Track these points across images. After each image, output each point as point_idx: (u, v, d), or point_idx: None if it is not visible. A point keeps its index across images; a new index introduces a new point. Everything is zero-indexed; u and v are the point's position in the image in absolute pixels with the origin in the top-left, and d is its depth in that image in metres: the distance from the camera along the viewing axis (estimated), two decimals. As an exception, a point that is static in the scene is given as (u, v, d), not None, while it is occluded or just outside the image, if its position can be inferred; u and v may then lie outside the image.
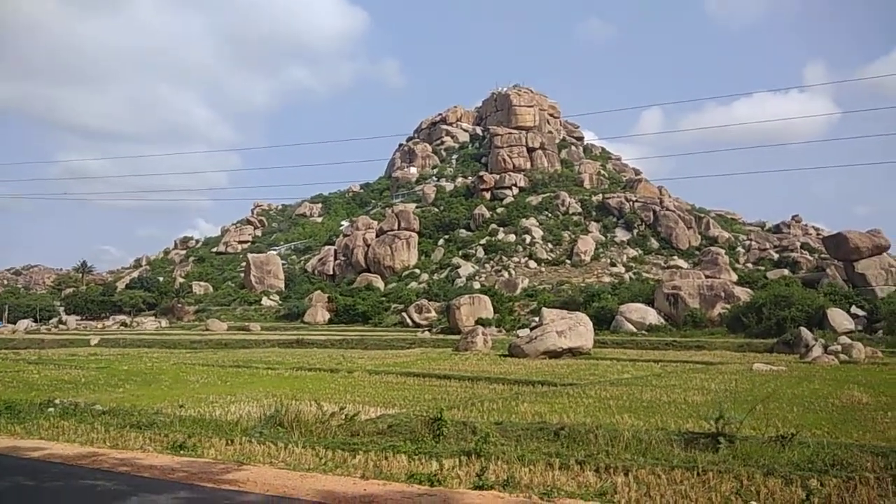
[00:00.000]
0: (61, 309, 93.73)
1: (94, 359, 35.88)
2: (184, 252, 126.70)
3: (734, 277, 68.26)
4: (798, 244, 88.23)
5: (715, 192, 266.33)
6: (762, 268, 78.60)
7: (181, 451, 9.86)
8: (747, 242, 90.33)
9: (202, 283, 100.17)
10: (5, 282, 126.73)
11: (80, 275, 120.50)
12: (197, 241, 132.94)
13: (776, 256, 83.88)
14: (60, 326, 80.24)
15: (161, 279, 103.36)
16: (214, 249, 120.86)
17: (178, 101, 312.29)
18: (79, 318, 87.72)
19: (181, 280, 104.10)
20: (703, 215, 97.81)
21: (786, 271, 73.79)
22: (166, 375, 26.59)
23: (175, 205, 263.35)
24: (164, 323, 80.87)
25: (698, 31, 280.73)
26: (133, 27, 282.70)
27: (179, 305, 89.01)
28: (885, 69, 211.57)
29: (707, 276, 62.52)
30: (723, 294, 57.03)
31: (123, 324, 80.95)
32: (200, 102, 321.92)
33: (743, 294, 56.95)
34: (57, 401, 15.64)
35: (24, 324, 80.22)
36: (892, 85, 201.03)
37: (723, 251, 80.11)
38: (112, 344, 51.05)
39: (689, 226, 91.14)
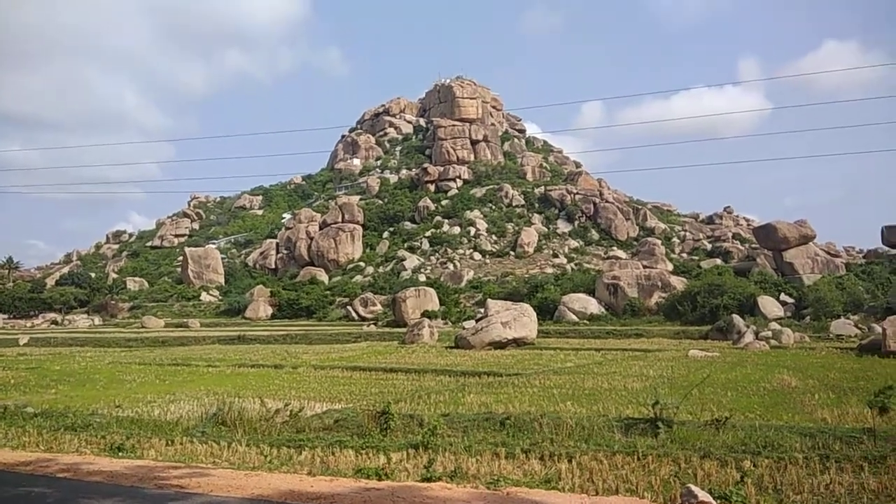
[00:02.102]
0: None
1: (23, 359, 34.28)
2: (117, 246, 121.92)
3: (670, 267, 70.48)
4: (730, 234, 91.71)
5: (652, 185, 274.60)
6: (696, 257, 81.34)
7: (120, 454, 9.55)
8: (682, 233, 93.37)
9: (137, 279, 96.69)
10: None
11: (6, 271, 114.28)
12: (130, 235, 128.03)
13: (709, 246, 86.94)
14: (-16, 326, 76.11)
15: (93, 275, 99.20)
16: (149, 243, 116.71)
17: (107, 85, 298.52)
18: (5, 316, 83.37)
19: (114, 276, 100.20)
20: (640, 207, 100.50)
21: (718, 261, 76.59)
22: (101, 375, 25.65)
23: (106, 197, 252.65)
24: (97, 321, 77.76)
25: (641, 23, 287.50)
26: (59, 5, 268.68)
27: (113, 302, 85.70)
28: (814, 64, 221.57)
29: (645, 266, 64.37)
30: (660, 283, 58.84)
31: (54, 322, 77.47)
32: (131, 88, 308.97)
33: (678, 283, 58.92)
34: (-17, 404, 14.91)
35: (-56, 324, 75.87)
36: (821, 79, 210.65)
37: (659, 242, 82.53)
38: (42, 343, 48.90)
39: (628, 217, 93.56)
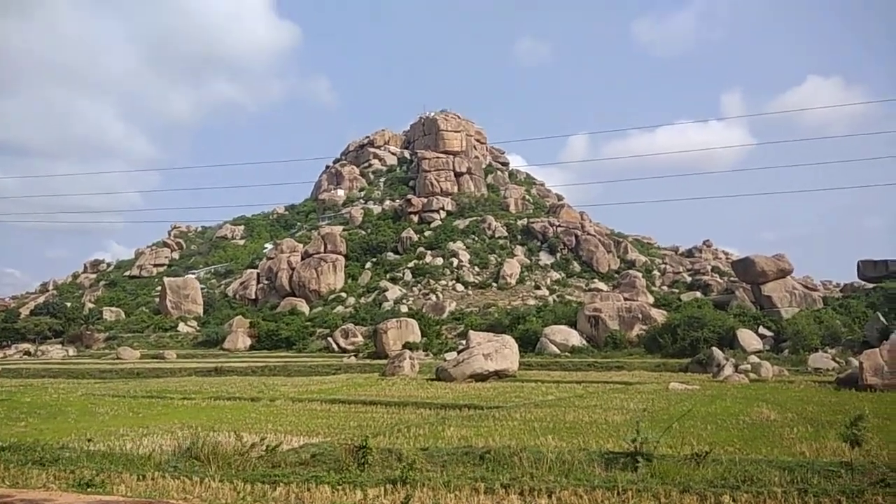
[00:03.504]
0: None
1: (-9, 391, 33.37)
2: (94, 276, 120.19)
3: (651, 299, 70.93)
4: (709, 267, 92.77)
5: (633, 218, 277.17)
6: (676, 290, 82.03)
7: (88, 489, 9.28)
8: (662, 266, 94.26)
9: (114, 309, 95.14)
10: None
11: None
12: (108, 265, 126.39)
13: (689, 279, 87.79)
14: (-47, 356, 74.22)
15: (69, 304, 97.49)
16: (127, 273, 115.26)
17: (91, 113, 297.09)
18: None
19: (91, 305, 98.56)
20: (621, 240, 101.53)
21: (698, 293, 77.27)
22: (73, 407, 25.04)
23: (86, 226, 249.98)
24: (71, 351, 76.17)
25: (626, 56, 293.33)
26: (44, 31, 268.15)
27: (88, 333, 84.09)
28: (797, 98, 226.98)
29: (626, 299, 64.70)
30: (640, 315, 59.14)
31: (27, 352, 75.75)
32: (117, 116, 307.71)
33: (659, 315, 59.25)
34: (-52, 438, 14.46)
35: (-88, 354, 73.93)
36: (804, 115, 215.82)
37: (640, 274, 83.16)
38: (14, 374, 47.72)
39: (609, 250, 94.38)
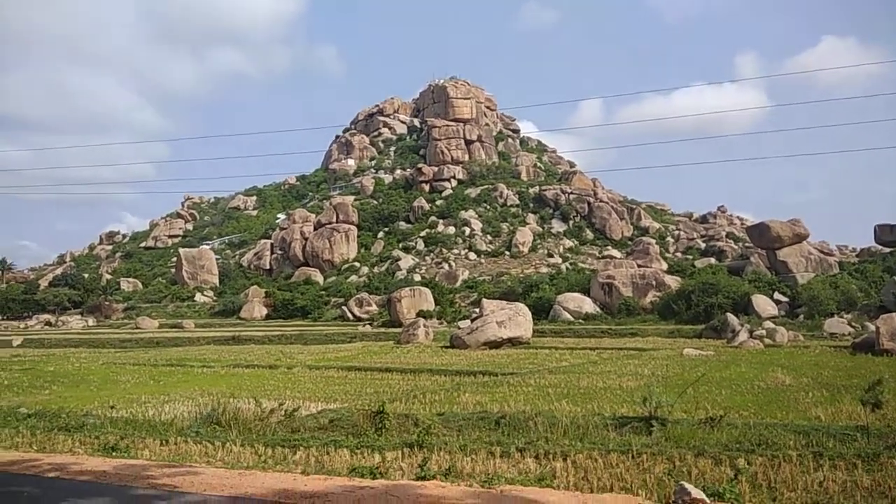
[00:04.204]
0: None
1: (17, 360, 34.12)
2: (110, 247, 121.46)
3: (664, 266, 70.61)
4: (723, 233, 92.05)
5: (647, 184, 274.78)
6: (690, 257, 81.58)
7: (113, 454, 9.51)
8: (676, 232, 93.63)
9: (131, 280, 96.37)
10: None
11: (0, 272, 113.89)
12: (124, 236, 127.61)
13: (703, 245, 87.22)
14: (-23, 327, 75.74)
15: (87, 276, 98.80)
16: (143, 244, 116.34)
17: (97, 85, 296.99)
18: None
19: (108, 276, 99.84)
20: (634, 206, 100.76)
21: (712, 260, 76.79)
22: (95, 376, 25.56)
23: (99, 198, 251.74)
24: (91, 322, 77.44)
25: (638, 18, 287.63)
26: (48, 5, 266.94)
27: (107, 303, 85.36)
28: (813, 59, 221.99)
29: (639, 266, 64.47)
30: (654, 282, 58.97)
31: (48, 323, 77.12)
32: (124, 88, 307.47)
33: (673, 282, 59.05)
34: (-25, 406, 14.85)
35: (-64, 325, 75.45)
36: (820, 76, 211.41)
37: (653, 241, 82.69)
38: (36, 344, 48.69)
39: (622, 217, 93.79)
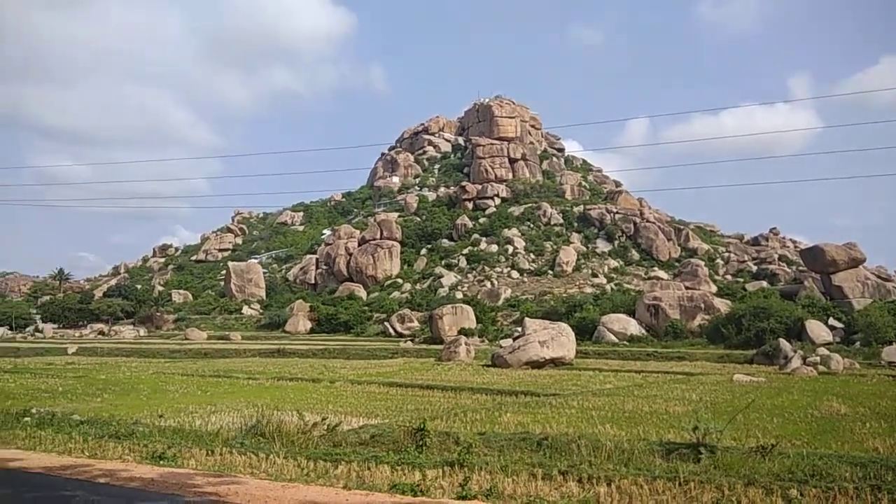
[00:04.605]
0: (38, 317, 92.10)
1: (71, 368, 35.34)
2: (163, 260, 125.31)
3: (714, 289, 68.98)
4: (776, 256, 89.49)
5: (695, 205, 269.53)
6: (741, 279, 79.54)
7: (161, 462, 9.72)
8: (726, 254, 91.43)
9: (181, 292, 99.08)
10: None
11: (57, 282, 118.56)
12: (176, 249, 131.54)
13: (754, 268, 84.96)
14: (37, 335, 78.87)
15: (139, 287, 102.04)
16: (194, 257, 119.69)
17: (153, 102, 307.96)
18: (56, 326, 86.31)
19: (160, 288, 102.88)
20: (682, 227, 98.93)
21: (764, 283, 74.68)
22: (145, 385, 26.25)
23: (153, 211, 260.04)
24: (142, 332, 79.81)
25: (688, 38, 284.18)
26: (104, 24, 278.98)
27: (158, 314, 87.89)
28: (869, 80, 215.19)
29: (687, 288, 63.11)
30: (703, 305, 57.59)
31: (101, 332, 79.76)
32: (178, 104, 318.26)
33: (722, 305, 57.56)
34: (34, 410, 15.42)
35: (0, 332, 78.79)
36: (875, 97, 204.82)
37: (702, 263, 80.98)
38: (90, 353, 50.34)
39: (669, 237, 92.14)
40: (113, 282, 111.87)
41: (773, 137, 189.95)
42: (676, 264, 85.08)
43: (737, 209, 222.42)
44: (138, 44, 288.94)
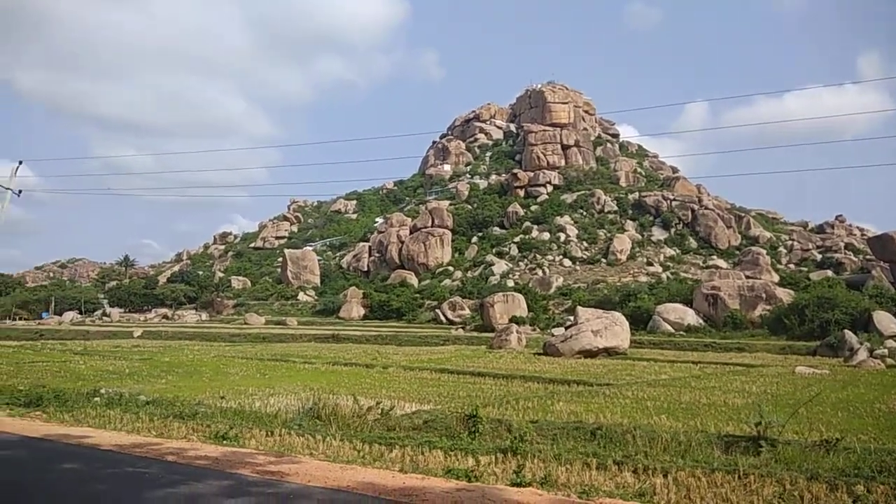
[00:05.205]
0: (105, 302, 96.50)
1: (137, 350, 36.87)
2: (223, 247, 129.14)
3: (776, 278, 66.73)
4: (842, 245, 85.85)
5: (757, 191, 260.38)
6: (804, 269, 76.73)
7: (224, 442, 10.09)
8: (789, 242, 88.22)
9: (240, 278, 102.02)
10: (51, 275, 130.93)
11: (123, 268, 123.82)
12: (235, 237, 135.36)
13: (819, 257, 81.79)
14: (104, 318, 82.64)
15: (201, 273, 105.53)
16: (252, 245, 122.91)
17: (214, 93, 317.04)
18: (122, 310, 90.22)
19: (220, 274, 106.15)
20: (743, 214, 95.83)
21: (829, 272, 71.85)
22: (207, 367, 27.18)
23: (213, 200, 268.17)
24: (204, 316, 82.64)
25: (752, 15, 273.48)
26: (167, 19, 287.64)
27: (219, 299, 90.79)
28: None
29: (748, 277, 61.29)
30: (764, 295, 55.81)
31: (165, 316, 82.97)
32: (236, 95, 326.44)
33: (785, 295, 55.64)
34: (102, 390, 16.16)
35: (70, 316, 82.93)
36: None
37: (764, 251, 78.38)
38: (154, 336, 52.41)
39: (729, 225, 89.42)
40: (176, 268, 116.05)
41: (840, 120, 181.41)
42: (736, 252, 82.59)
43: (801, 196, 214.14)
44: (198, 36, 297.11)
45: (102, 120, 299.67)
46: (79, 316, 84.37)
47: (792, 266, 79.25)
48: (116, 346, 41.85)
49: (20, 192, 20.91)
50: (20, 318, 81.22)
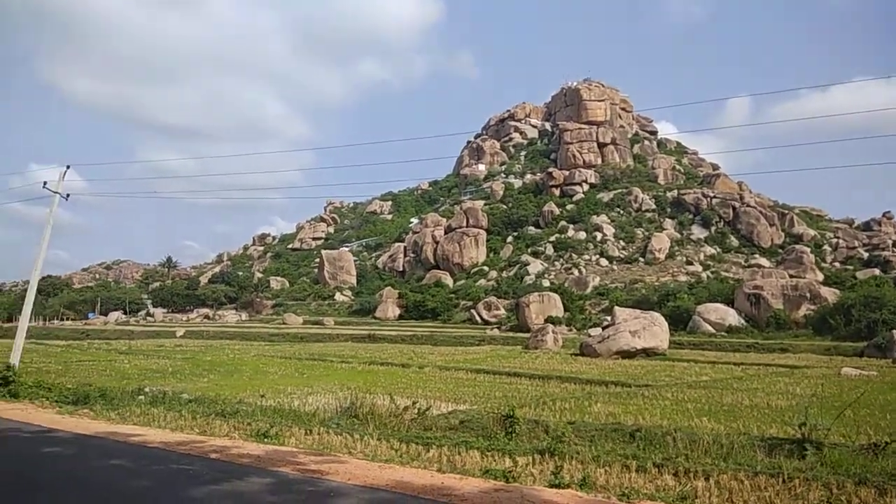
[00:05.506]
0: (149, 302, 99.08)
1: (179, 349, 37.76)
2: (261, 248, 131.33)
3: (820, 277, 64.91)
4: (890, 242, 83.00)
5: (801, 188, 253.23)
6: (850, 267, 74.46)
7: (265, 440, 10.27)
8: (834, 240, 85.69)
9: (279, 279, 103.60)
10: (97, 276, 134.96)
11: (166, 269, 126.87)
12: (274, 238, 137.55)
13: (866, 255, 79.25)
14: (148, 319, 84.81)
15: (241, 274, 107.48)
16: (290, 246, 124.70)
17: (253, 97, 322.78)
18: (165, 310, 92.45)
19: (259, 275, 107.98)
20: (786, 212, 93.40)
21: (877, 271, 69.57)
22: (247, 367, 27.69)
23: (252, 202, 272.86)
24: (244, 316, 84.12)
25: (798, 8, 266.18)
26: (207, 24, 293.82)
27: (258, 300, 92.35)
28: None
29: (791, 276, 59.75)
30: (808, 294, 54.36)
31: (206, 317, 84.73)
32: (275, 98, 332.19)
33: (830, 295, 54.10)
34: (147, 389, 16.60)
35: (115, 316, 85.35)
36: None
37: (808, 249, 76.32)
38: (196, 336, 53.57)
39: (772, 223, 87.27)
40: (217, 269, 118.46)
41: (887, 115, 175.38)
42: (780, 251, 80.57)
43: (847, 193, 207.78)
44: (237, 40, 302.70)
45: (148, 124, 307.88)
46: (123, 316, 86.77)
47: (837, 265, 76.99)
48: (160, 345, 42.91)
49: (68, 195, 21.55)
50: (68, 319, 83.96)
